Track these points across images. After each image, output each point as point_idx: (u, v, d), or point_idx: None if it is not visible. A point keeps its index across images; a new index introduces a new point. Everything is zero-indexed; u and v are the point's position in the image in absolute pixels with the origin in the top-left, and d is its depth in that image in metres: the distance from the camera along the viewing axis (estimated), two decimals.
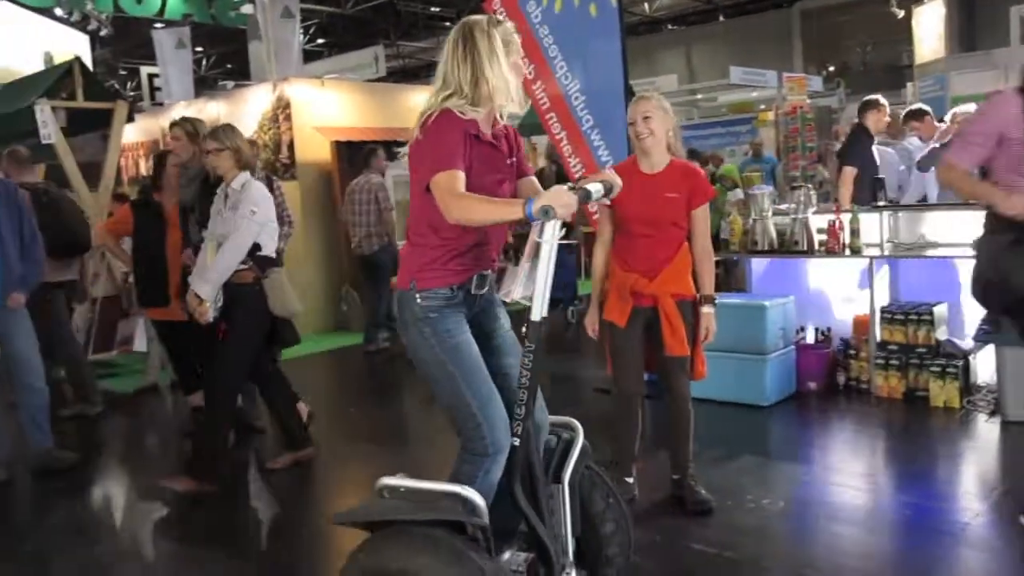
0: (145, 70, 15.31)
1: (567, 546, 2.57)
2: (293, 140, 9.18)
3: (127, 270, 6.70)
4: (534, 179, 2.71)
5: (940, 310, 5.35)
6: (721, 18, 23.04)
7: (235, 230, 4.31)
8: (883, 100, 6.53)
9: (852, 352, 5.61)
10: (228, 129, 4.54)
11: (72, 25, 12.07)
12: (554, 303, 8.72)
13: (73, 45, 10.93)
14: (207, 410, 4.54)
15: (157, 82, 14.14)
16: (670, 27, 23.99)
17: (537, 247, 2.34)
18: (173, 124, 5.17)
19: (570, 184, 2.38)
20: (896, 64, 20.57)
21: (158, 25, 13.22)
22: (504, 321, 2.66)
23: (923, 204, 6.36)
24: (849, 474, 4.32)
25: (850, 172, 6.27)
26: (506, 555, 2.47)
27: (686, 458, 3.87)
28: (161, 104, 12.97)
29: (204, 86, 19.94)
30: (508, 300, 2.47)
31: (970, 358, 5.29)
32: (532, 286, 2.36)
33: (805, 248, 5.64)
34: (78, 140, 7.39)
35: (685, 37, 24.02)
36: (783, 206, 5.99)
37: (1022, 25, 13.81)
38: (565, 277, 8.73)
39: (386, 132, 9.09)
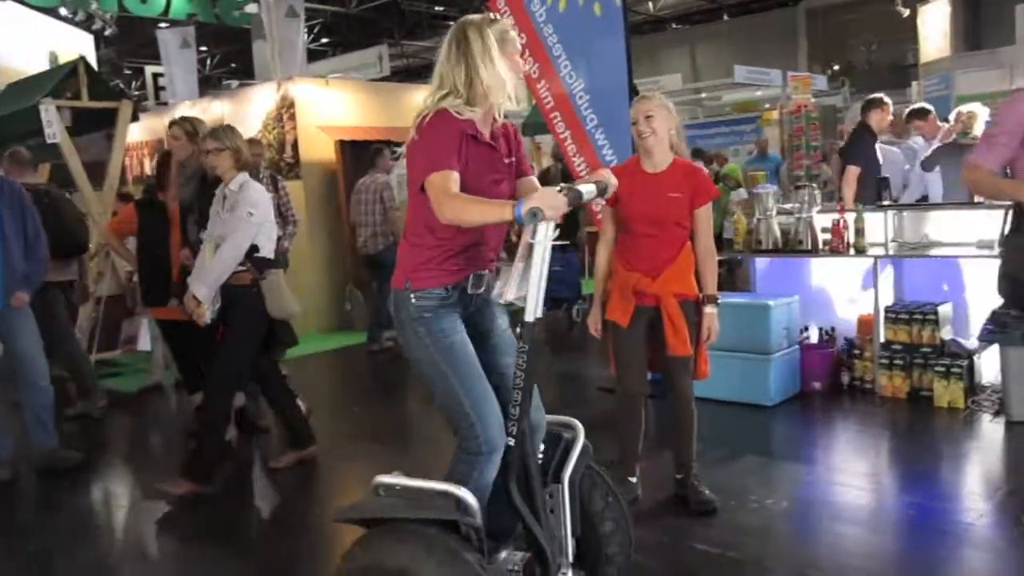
0: (150, 69, 15.37)
1: (567, 546, 2.57)
2: (297, 139, 9.19)
3: (131, 269, 6.71)
4: (533, 179, 2.70)
5: (945, 310, 5.33)
6: (725, 17, 23.01)
7: (232, 231, 4.30)
8: (886, 99, 6.52)
9: (856, 352, 5.59)
10: (228, 129, 4.55)
11: (77, 25, 12.08)
12: (558, 302, 8.74)
13: (78, 45, 10.93)
14: (205, 411, 4.53)
15: (162, 81, 14.20)
16: (674, 26, 23.96)
17: (530, 248, 2.34)
18: (172, 123, 5.17)
19: (561, 185, 2.38)
20: (901, 63, 20.52)
21: (163, 25, 13.26)
22: (502, 321, 2.66)
23: (928, 204, 6.34)
24: (853, 474, 4.31)
25: (854, 171, 6.26)
26: (503, 554, 2.48)
27: (689, 458, 3.87)
28: (166, 103, 13.01)
29: (208, 85, 19.97)
30: (502, 301, 2.47)
31: (975, 358, 5.28)
32: (526, 287, 2.36)
33: (809, 247, 5.63)
34: (83, 139, 7.39)
35: (689, 36, 23.98)
36: (787, 205, 5.98)
37: None
38: (569, 276, 8.74)
39: (390, 131, 9.09)
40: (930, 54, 15.53)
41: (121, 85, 21.78)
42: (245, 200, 4.33)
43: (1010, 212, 3.56)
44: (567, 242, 8.91)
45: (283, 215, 7.01)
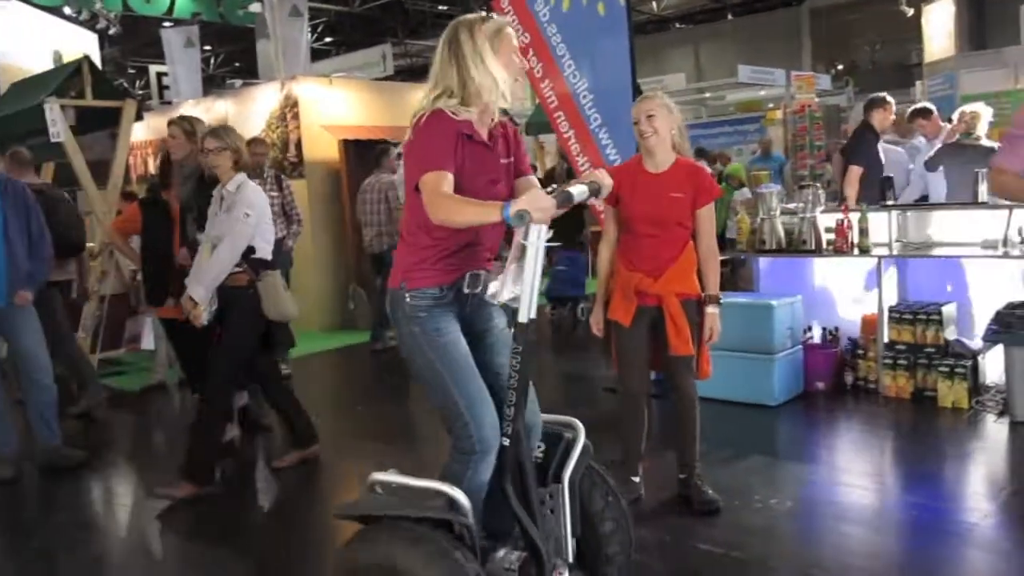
0: (154, 69, 15.39)
1: (567, 545, 2.57)
2: (301, 139, 9.20)
3: (135, 268, 6.72)
4: (532, 178, 2.69)
5: (949, 310, 5.32)
6: (729, 16, 23.01)
7: (229, 232, 4.28)
8: (889, 98, 6.50)
9: (860, 352, 5.59)
10: (227, 129, 4.55)
11: (81, 24, 12.09)
12: (564, 301, 8.74)
13: (82, 44, 10.94)
14: (202, 411, 4.51)
15: (166, 80, 14.20)
16: (678, 25, 23.96)
17: (522, 249, 2.33)
18: (171, 122, 5.16)
19: (552, 187, 2.37)
20: (905, 62, 20.50)
21: (167, 24, 13.28)
22: (499, 320, 2.65)
23: (932, 203, 6.33)
24: (857, 474, 4.31)
25: (856, 171, 6.25)
26: (500, 553, 2.48)
27: (693, 457, 3.86)
28: (170, 103, 13.01)
29: (212, 85, 19.97)
30: (495, 302, 2.46)
31: (979, 358, 5.26)
32: (519, 288, 2.36)
33: (813, 247, 5.62)
34: (87, 138, 7.39)
35: (693, 36, 23.98)
36: (791, 205, 5.97)
37: None
38: (575, 275, 8.75)
39: (394, 131, 9.08)
40: (934, 53, 15.50)
41: (125, 84, 21.85)
42: (242, 201, 4.31)
43: (1012, 212, 3.52)
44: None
45: (287, 214, 7.03)
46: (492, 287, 2.43)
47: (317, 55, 18.36)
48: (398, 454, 5.01)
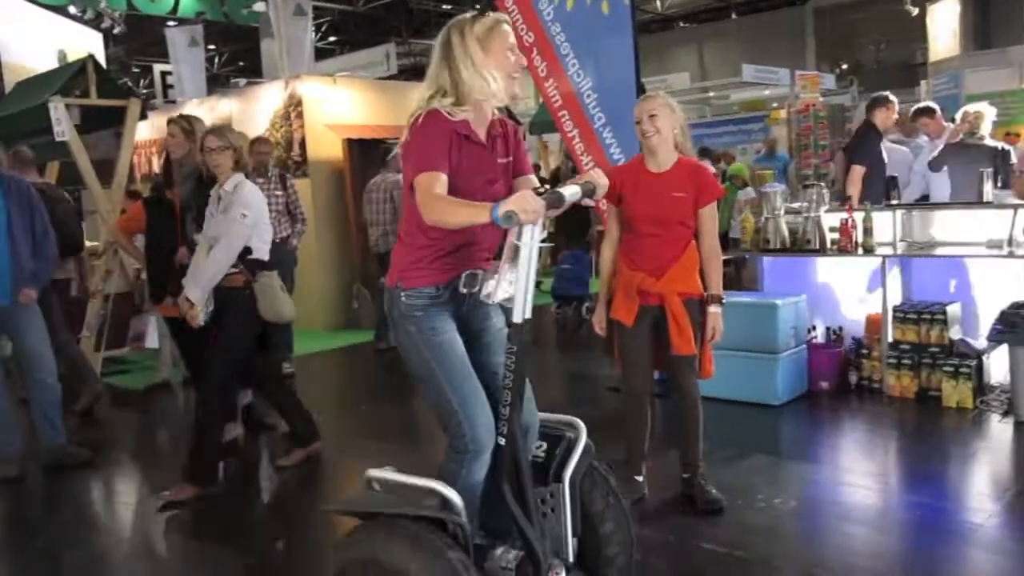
0: (158, 68, 15.39)
1: (567, 545, 2.57)
2: (305, 138, 9.20)
3: (140, 267, 6.73)
4: (532, 178, 2.68)
5: (953, 309, 5.31)
6: (733, 16, 22.96)
7: (226, 233, 4.26)
8: (891, 97, 6.48)
9: (864, 351, 5.58)
10: (228, 129, 4.54)
11: (86, 23, 12.14)
12: (569, 300, 8.74)
13: (87, 43, 10.95)
14: (201, 412, 4.50)
15: (170, 80, 14.22)
16: (682, 25, 23.92)
17: (515, 249, 2.33)
18: (170, 121, 5.16)
19: (543, 187, 2.36)
20: (910, 62, 20.44)
21: (171, 23, 13.29)
22: (497, 320, 2.64)
23: (937, 203, 6.32)
24: (861, 474, 4.30)
25: (858, 171, 6.23)
26: (498, 552, 2.48)
27: (696, 457, 3.86)
28: (174, 102, 13.02)
29: (216, 84, 20.03)
30: (490, 302, 2.46)
31: (983, 358, 5.26)
32: (513, 288, 2.35)
33: (817, 247, 5.61)
34: (91, 137, 7.41)
35: (697, 35, 23.94)
36: (795, 204, 5.96)
37: None
38: (580, 274, 8.75)
39: (397, 130, 8.93)
40: (939, 53, 15.45)
41: (129, 83, 21.90)
42: (239, 201, 4.28)
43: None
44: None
45: (292, 213, 7.03)
46: (487, 287, 2.44)
47: (321, 54, 18.36)
48: (402, 453, 5.01)
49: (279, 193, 6.86)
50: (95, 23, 12.37)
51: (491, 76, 2.45)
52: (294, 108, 9.30)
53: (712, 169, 5.26)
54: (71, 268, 6.29)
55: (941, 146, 6.50)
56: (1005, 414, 4.91)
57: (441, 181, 2.36)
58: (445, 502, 2.34)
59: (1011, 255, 5.07)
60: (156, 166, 11.07)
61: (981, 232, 5.33)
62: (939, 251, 5.53)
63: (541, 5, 5.55)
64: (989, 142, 6.27)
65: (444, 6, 20.19)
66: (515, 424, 2.44)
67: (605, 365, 6.50)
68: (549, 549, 2.50)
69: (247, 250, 4.35)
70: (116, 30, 13.08)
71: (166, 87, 14.87)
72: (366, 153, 8.92)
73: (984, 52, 14.60)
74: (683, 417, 3.86)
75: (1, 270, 4.68)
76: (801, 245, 5.68)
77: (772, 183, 6.51)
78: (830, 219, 5.62)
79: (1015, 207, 5.10)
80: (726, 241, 5.95)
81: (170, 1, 11.05)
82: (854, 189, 6.17)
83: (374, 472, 2.49)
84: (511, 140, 2.63)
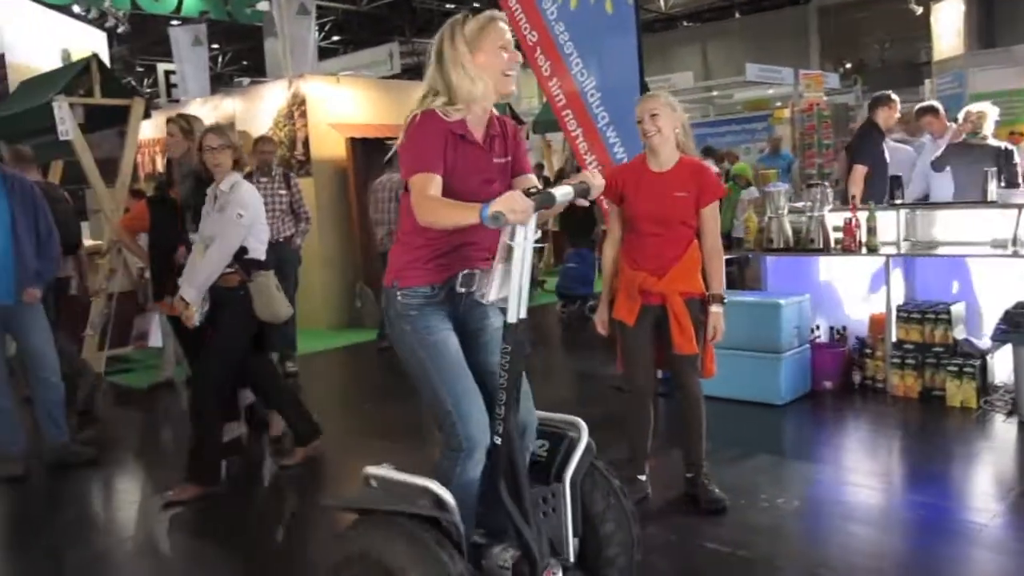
0: (162, 67, 15.44)
1: (568, 545, 2.57)
2: (308, 137, 9.21)
3: (143, 265, 6.73)
4: (531, 177, 2.67)
5: (957, 309, 5.30)
6: (737, 15, 22.93)
7: (222, 233, 4.25)
8: (894, 96, 6.47)
9: (868, 351, 5.57)
10: (227, 128, 4.54)
11: (90, 22, 12.14)
12: (573, 299, 8.74)
13: (91, 42, 10.97)
14: (198, 413, 4.50)
15: (174, 79, 14.26)
16: (686, 24, 23.91)
17: (508, 250, 2.32)
18: (169, 120, 5.16)
19: (531, 188, 2.35)
20: (914, 61, 20.41)
21: (175, 22, 13.31)
22: (495, 319, 2.63)
23: (940, 203, 6.30)
24: (864, 474, 4.30)
25: (861, 170, 6.22)
26: (495, 550, 2.48)
27: (699, 456, 3.86)
28: (178, 101, 13.05)
29: (220, 83, 20.05)
30: (484, 302, 2.45)
31: (987, 357, 5.25)
32: (507, 288, 2.35)
33: (821, 246, 5.60)
34: (95, 136, 7.42)
35: (701, 34, 23.93)
36: (799, 204, 5.95)
37: None
38: (584, 273, 8.75)
39: (400, 129, 9.08)
40: (943, 52, 15.43)
41: (133, 82, 21.91)
42: (235, 201, 4.26)
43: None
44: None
45: (295, 212, 7.04)
46: (481, 287, 2.44)
47: (324, 53, 18.36)
48: (405, 452, 5.01)
49: (283, 192, 6.86)
50: (99, 22, 12.37)
51: (477, 78, 2.46)
52: (297, 107, 9.30)
53: (715, 169, 5.25)
54: (70, 266, 6.29)
55: (944, 146, 6.49)
56: (1009, 414, 4.90)
57: (435, 182, 2.37)
58: (436, 500, 2.35)
59: (1015, 255, 5.06)
60: (160, 165, 11.09)
61: (985, 232, 5.32)
62: (943, 251, 5.52)
63: (544, 4, 5.54)
64: (992, 142, 6.26)
65: (447, 5, 20.19)
66: (511, 423, 2.44)
67: (609, 364, 6.48)
68: (546, 548, 2.50)
69: (243, 250, 4.34)
70: (120, 29, 13.08)
71: (170, 86, 14.92)
72: (369, 152, 8.92)
73: (988, 51, 14.57)
74: (686, 416, 3.86)
75: (5, 269, 4.69)
76: (805, 244, 5.67)
77: (776, 182, 6.50)
78: (834, 218, 5.61)
79: (1020, 207, 5.09)
80: (729, 240, 5.93)
81: (174, 0, 11.06)
82: (856, 188, 6.15)
83: (372, 469, 2.51)
84: (510, 140, 2.63)
